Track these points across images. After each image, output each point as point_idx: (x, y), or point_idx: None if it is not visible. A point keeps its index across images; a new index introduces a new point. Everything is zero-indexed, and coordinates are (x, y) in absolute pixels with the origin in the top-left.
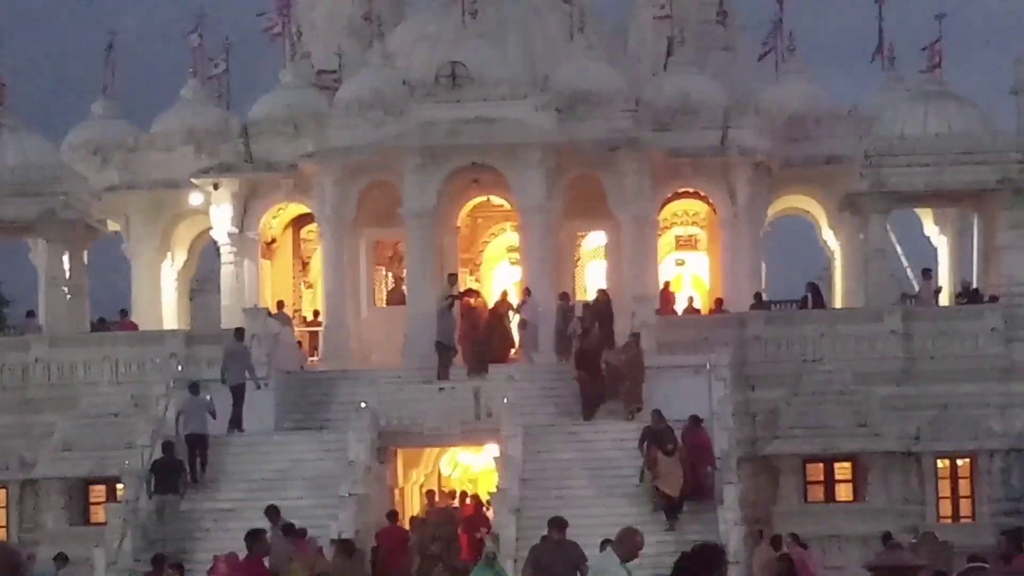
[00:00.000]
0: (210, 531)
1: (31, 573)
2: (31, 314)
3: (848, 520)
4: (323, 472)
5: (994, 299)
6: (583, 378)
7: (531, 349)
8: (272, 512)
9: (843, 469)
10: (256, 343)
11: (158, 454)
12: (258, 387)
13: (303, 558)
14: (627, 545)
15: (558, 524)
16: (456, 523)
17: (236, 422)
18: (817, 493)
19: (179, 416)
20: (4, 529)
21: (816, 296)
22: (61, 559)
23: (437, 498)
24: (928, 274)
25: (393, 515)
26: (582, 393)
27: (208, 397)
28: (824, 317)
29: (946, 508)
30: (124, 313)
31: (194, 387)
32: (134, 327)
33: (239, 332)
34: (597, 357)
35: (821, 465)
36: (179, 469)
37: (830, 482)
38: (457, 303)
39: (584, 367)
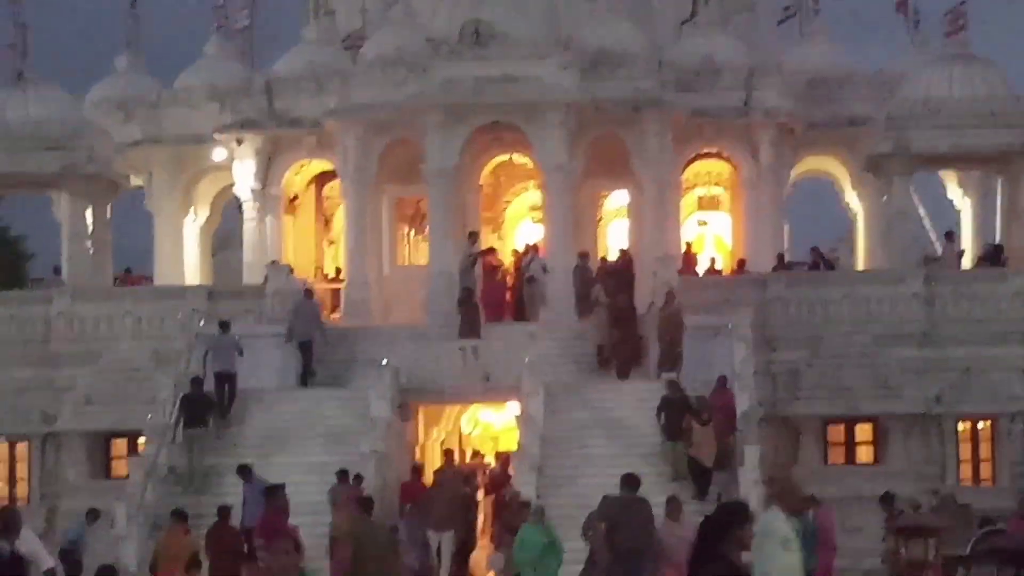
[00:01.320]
0: (229, 487)
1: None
2: (57, 271)
3: (868, 482)
4: (344, 428)
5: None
6: (618, 337)
7: (539, 306)
8: (244, 471)
9: (864, 431)
10: (279, 299)
11: (186, 391)
12: (326, 343)
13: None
14: (790, 499)
15: (631, 481)
16: (473, 483)
17: (305, 377)
18: (838, 455)
19: (207, 353)
20: (26, 482)
21: (820, 261)
22: (92, 514)
23: (457, 457)
24: (951, 237)
25: (418, 469)
26: (616, 352)
27: (235, 335)
28: (846, 279)
29: (966, 471)
30: (128, 271)
31: (224, 325)
32: (139, 282)
33: (308, 292)
34: (633, 315)
35: (842, 427)
36: (208, 404)
37: (851, 444)
38: (480, 261)
39: (620, 326)
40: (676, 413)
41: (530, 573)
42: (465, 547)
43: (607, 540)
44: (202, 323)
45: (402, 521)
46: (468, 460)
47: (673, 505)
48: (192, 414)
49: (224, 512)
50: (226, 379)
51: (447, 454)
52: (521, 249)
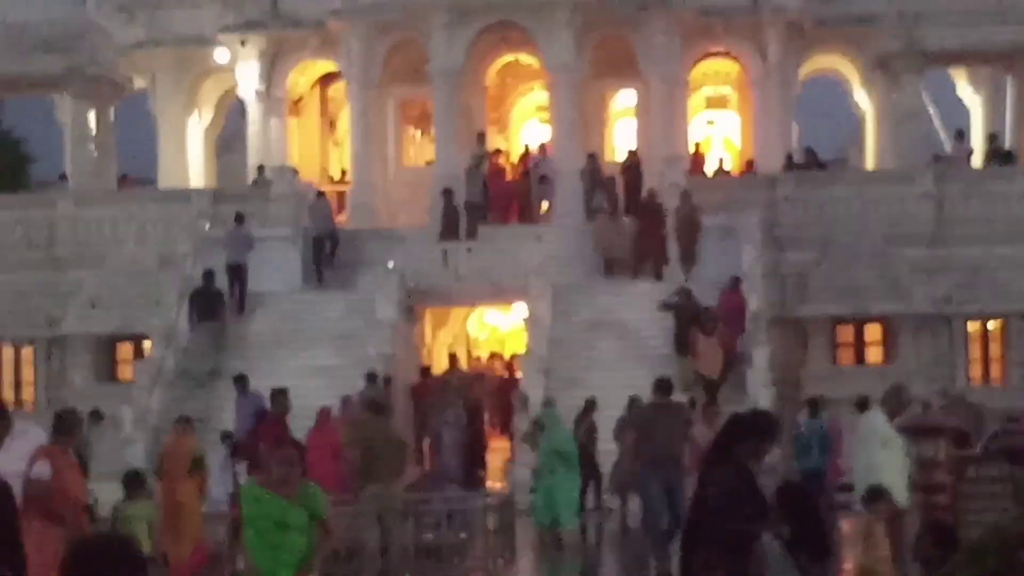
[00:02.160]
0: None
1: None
2: (63, 177)
3: (878, 382)
4: (351, 331)
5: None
6: (641, 233)
7: (550, 206)
8: (240, 381)
9: (873, 331)
10: (283, 202)
11: (198, 284)
12: (337, 244)
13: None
14: (893, 403)
15: (664, 386)
16: (481, 387)
17: (320, 273)
18: (847, 356)
19: (225, 245)
20: (32, 386)
21: (813, 161)
22: (95, 416)
23: (464, 362)
24: (961, 135)
25: (427, 371)
26: (636, 250)
27: (249, 229)
28: (855, 179)
29: (976, 370)
30: (124, 177)
31: (239, 218)
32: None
33: (321, 193)
34: (659, 214)
35: (851, 327)
36: (219, 297)
37: (860, 344)
38: (486, 162)
39: (645, 224)
40: (684, 323)
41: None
42: (473, 452)
43: (636, 448)
44: (207, 226)
45: (444, 425)
46: (481, 362)
47: (709, 411)
48: (205, 307)
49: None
50: (237, 271)
51: (451, 359)
52: (527, 150)
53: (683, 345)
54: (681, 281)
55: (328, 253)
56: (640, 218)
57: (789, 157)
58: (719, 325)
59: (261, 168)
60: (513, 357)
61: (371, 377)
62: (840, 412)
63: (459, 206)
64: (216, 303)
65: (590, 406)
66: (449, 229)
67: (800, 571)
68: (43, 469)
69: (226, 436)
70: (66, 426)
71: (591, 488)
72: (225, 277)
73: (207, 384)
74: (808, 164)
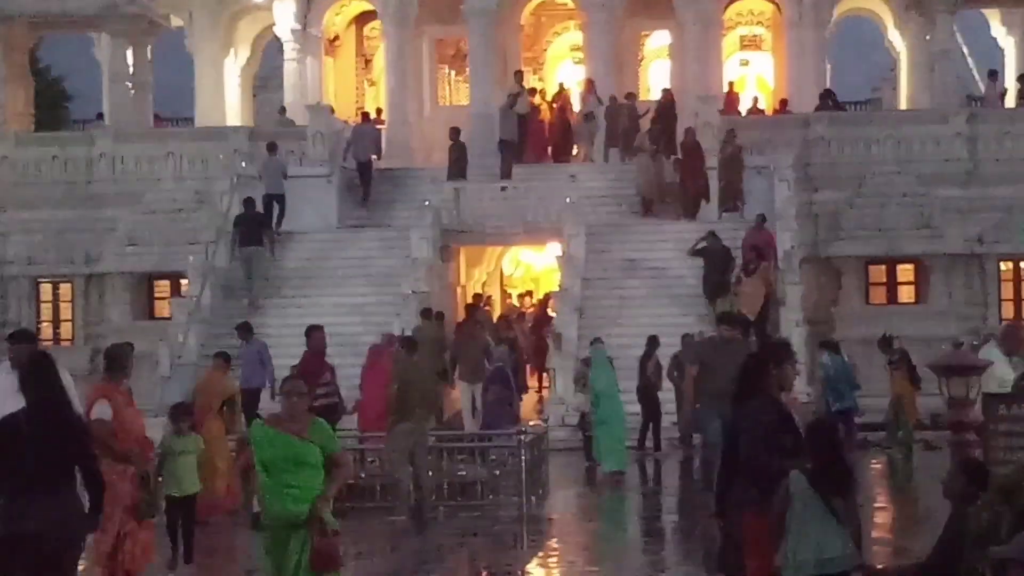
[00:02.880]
0: (271, 327)
1: None
2: (100, 116)
3: (910, 322)
4: (386, 269)
5: None
6: (685, 175)
7: (590, 143)
8: (244, 329)
9: (905, 271)
10: (319, 140)
11: (238, 211)
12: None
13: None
14: (1011, 340)
15: (729, 320)
16: (519, 327)
17: (365, 197)
18: (879, 295)
19: (260, 175)
20: (70, 323)
21: (831, 102)
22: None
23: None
24: (994, 75)
25: (471, 309)
26: (683, 190)
27: (282, 158)
28: (889, 119)
29: (1008, 310)
30: (156, 116)
31: (271, 147)
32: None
33: (366, 115)
34: (700, 154)
35: (883, 267)
36: (261, 222)
37: (892, 284)
38: (522, 101)
39: (688, 165)
40: (714, 267)
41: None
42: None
43: (697, 384)
44: (244, 164)
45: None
46: (515, 302)
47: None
48: (247, 233)
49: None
50: (275, 199)
51: (475, 299)
52: (561, 89)
53: (715, 289)
54: (715, 221)
55: (367, 178)
56: (682, 157)
57: (824, 94)
58: (760, 263)
59: (283, 109)
60: (546, 296)
61: (425, 313)
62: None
63: (466, 145)
64: (258, 228)
65: (653, 343)
66: (456, 168)
67: (827, 505)
68: (104, 409)
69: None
70: (119, 362)
71: (652, 428)
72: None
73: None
74: (824, 107)
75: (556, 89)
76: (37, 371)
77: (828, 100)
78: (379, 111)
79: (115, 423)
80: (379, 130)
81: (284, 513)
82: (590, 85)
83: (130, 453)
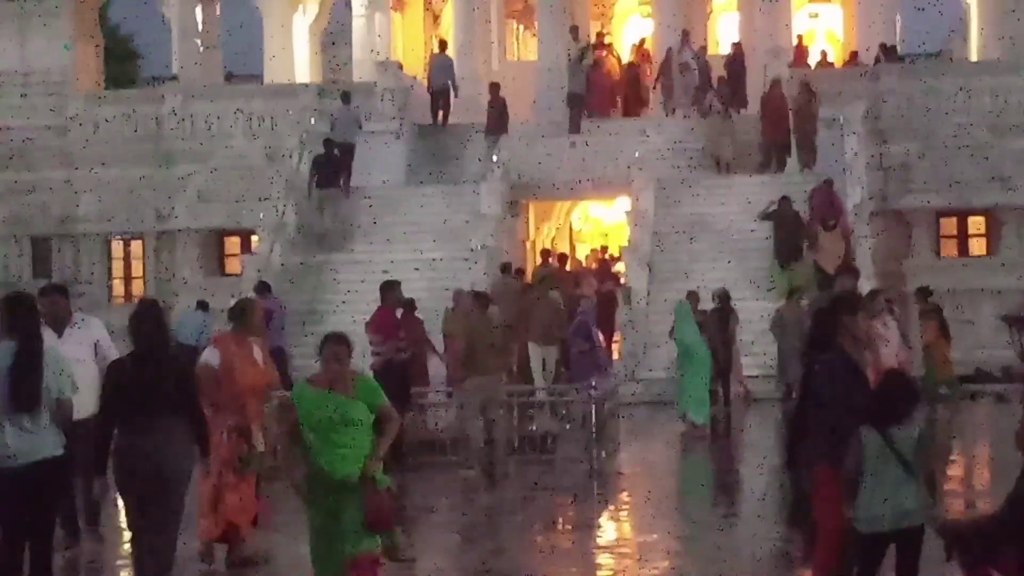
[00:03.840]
0: (341, 283)
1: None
2: (175, 77)
3: (981, 274)
4: (455, 225)
5: None
6: (768, 129)
7: (690, 95)
8: (261, 287)
9: (976, 223)
10: (388, 97)
11: (318, 152)
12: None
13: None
14: None
15: (849, 271)
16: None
17: (443, 123)
18: (950, 247)
19: (333, 124)
20: (142, 280)
21: (890, 56)
22: (202, 308)
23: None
24: None
25: (563, 257)
26: (765, 143)
27: (358, 107)
28: (959, 70)
29: None
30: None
31: (345, 96)
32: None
33: (443, 43)
34: (783, 105)
35: (954, 219)
36: (339, 165)
37: (963, 236)
38: (589, 55)
39: (771, 119)
40: (786, 232)
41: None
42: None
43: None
44: (312, 121)
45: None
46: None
47: (876, 299)
48: (325, 174)
49: (411, 304)
50: (348, 149)
51: (543, 255)
52: (635, 43)
53: (787, 254)
54: (797, 175)
55: (443, 107)
56: (765, 111)
57: (883, 48)
58: (839, 218)
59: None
60: (607, 256)
61: (505, 267)
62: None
63: (505, 99)
64: (336, 169)
65: (725, 299)
66: (496, 124)
67: (900, 460)
68: (211, 357)
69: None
70: (239, 315)
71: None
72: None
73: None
74: (877, 60)
75: (630, 46)
76: (144, 318)
77: (885, 55)
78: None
79: (223, 373)
80: (358, 111)
81: (336, 474)
82: (686, 37)
83: (229, 403)
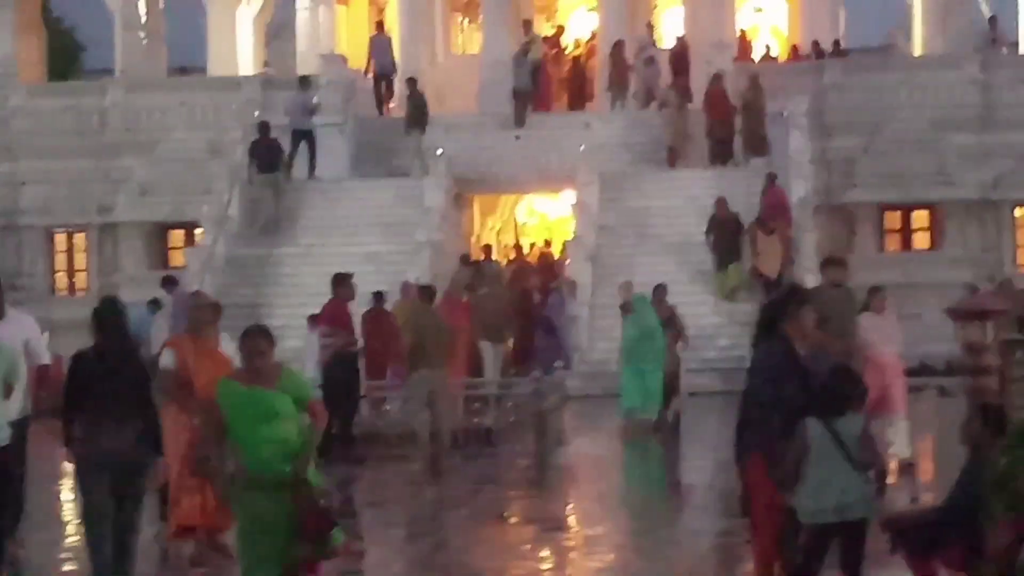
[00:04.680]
0: (286, 276)
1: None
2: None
3: (925, 268)
4: (400, 218)
5: None
6: (712, 123)
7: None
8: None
9: (920, 217)
10: (333, 89)
11: (254, 137)
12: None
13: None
14: None
15: (837, 263)
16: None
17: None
18: (894, 242)
19: (286, 111)
20: (85, 273)
21: (836, 52)
22: (153, 306)
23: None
24: (994, 21)
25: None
26: (710, 138)
27: (313, 96)
28: (903, 65)
29: (1023, 257)
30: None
31: (303, 81)
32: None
33: (380, 24)
34: (726, 99)
35: (899, 213)
36: (278, 149)
37: (907, 231)
38: (535, 49)
39: (714, 111)
40: (724, 235)
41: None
42: (526, 355)
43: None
44: (256, 114)
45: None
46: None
47: (877, 296)
48: (264, 160)
49: (379, 297)
50: (303, 135)
51: (486, 250)
52: (576, 38)
53: (723, 257)
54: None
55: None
56: (710, 105)
57: (836, 43)
58: (778, 224)
59: (266, 63)
60: (547, 248)
61: (465, 259)
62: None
63: (423, 94)
64: (274, 154)
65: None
66: (414, 119)
67: (844, 452)
68: (167, 358)
69: (312, 318)
70: (193, 317)
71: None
72: (288, 141)
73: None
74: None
75: (573, 39)
76: (106, 312)
77: (818, 51)
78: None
79: (183, 373)
80: (312, 99)
81: (265, 470)
82: (650, 30)
83: (191, 404)
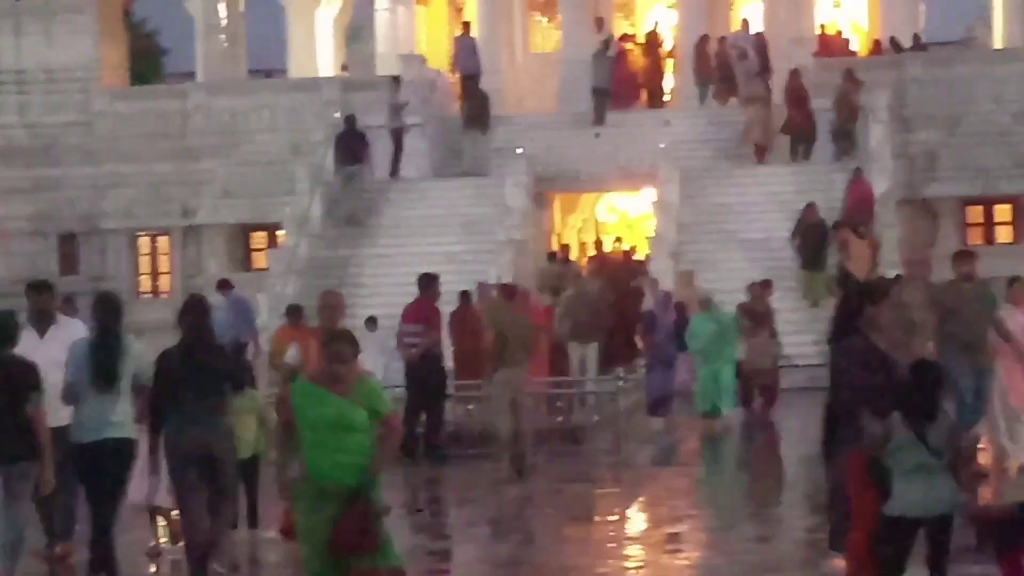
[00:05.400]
0: (368, 277)
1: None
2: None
3: (1007, 262)
4: (480, 218)
5: None
6: (793, 119)
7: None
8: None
9: (1002, 211)
10: (412, 90)
11: (341, 128)
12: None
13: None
14: None
15: (966, 256)
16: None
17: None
18: (976, 235)
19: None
20: (168, 276)
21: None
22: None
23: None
24: None
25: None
26: (792, 133)
27: (403, 96)
28: (984, 58)
29: None
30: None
31: (396, 81)
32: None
33: (467, 24)
34: (805, 94)
35: (980, 207)
36: (362, 141)
37: (989, 224)
38: (614, 46)
39: (794, 106)
40: (813, 240)
41: (702, 362)
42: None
43: (939, 333)
44: (337, 115)
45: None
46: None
47: (1017, 288)
48: (347, 151)
49: (466, 296)
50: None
51: (563, 250)
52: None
53: (809, 265)
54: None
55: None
56: (790, 101)
57: (916, 37)
58: (866, 225)
59: (344, 67)
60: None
61: (551, 256)
62: None
63: (488, 94)
64: (359, 146)
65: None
66: (475, 118)
67: (930, 450)
68: (293, 354)
69: (370, 320)
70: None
71: None
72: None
73: (339, 274)
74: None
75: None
76: (190, 310)
77: (895, 46)
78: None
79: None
80: (476, 40)
81: (323, 479)
82: (745, 25)
83: None
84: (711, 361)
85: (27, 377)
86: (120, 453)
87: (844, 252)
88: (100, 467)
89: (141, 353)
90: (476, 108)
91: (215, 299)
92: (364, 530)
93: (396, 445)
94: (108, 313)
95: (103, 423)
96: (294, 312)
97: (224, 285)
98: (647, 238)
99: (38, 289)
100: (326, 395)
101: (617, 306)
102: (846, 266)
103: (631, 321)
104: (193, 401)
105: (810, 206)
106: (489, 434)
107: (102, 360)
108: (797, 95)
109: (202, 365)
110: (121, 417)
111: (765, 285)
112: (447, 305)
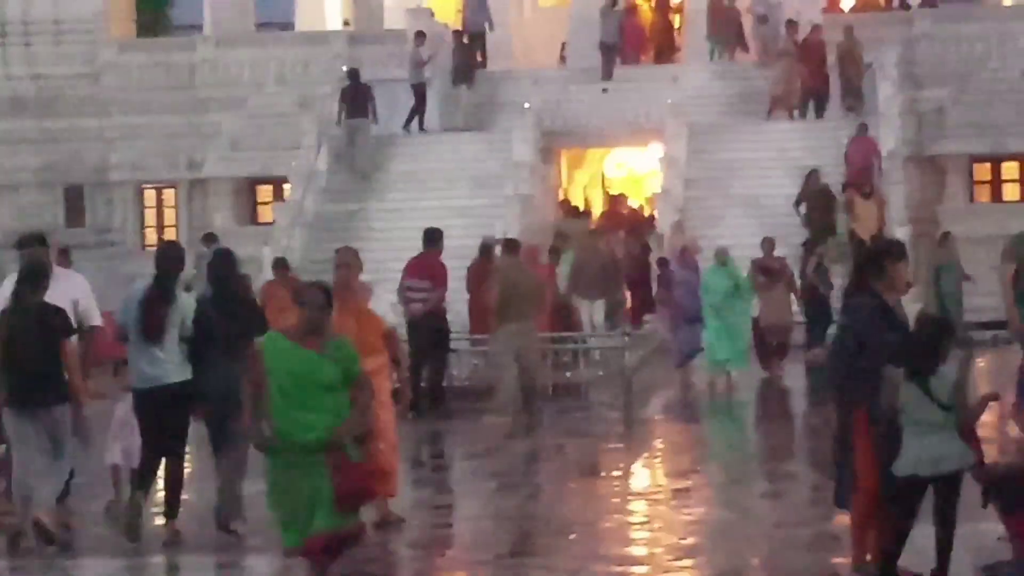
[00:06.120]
0: (375, 231)
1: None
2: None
3: (1015, 219)
4: (488, 172)
5: None
6: (804, 72)
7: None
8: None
9: (1010, 168)
10: (421, 44)
11: (345, 83)
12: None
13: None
14: None
15: None
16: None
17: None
18: (983, 193)
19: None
20: (175, 228)
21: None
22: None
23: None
24: None
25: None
26: (803, 88)
27: (425, 51)
28: (994, 14)
29: None
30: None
31: (419, 35)
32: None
33: None
34: (823, 51)
35: (988, 164)
36: (367, 95)
37: (997, 181)
38: (623, 1)
39: (810, 62)
40: (818, 210)
41: (714, 316)
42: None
43: (1015, 285)
44: (344, 68)
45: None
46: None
47: None
48: (353, 105)
49: (486, 248)
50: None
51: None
52: None
53: (817, 233)
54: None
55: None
56: (806, 56)
57: None
58: (873, 186)
59: (345, 22)
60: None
61: (567, 208)
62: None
63: (476, 47)
64: (364, 100)
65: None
66: (459, 71)
67: (938, 407)
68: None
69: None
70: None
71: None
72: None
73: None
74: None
75: None
76: (219, 263)
77: (903, 2)
78: None
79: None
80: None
81: (294, 436)
82: None
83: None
84: (723, 316)
85: (62, 322)
86: (177, 397)
87: (851, 215)
88: (161, 412)
89: (189, 305)
90: (461, 62)
91: (200, 251)
92: (360, 484)
93: (368, 406)
94: (164, 264)
95: (156, 371)
96: (280, 266)
97: (209, 238)
98: (653, 194)
99: (29, 243)
100: (297, 348)
101: (634, 261)
102: (853, 228)
103: (646, 276)
104: (222, 348)
105: (813, 172)
106: (494, 389)
107: (149, 311)
108: (813, 51)
109: (232, 312)
110: (171, 362)
111: (769, 242)
112: (455, 260)
